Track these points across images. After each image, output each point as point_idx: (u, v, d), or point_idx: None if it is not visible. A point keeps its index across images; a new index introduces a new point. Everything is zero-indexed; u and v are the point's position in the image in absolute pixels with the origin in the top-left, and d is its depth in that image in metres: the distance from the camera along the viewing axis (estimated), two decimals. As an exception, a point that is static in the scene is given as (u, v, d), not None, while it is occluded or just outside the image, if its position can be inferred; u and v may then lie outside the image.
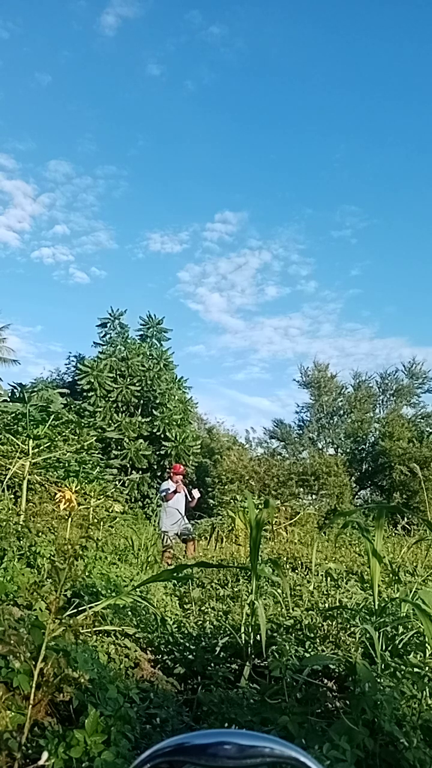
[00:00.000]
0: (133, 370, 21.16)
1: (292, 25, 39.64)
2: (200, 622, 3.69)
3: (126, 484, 17.83)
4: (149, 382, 21.16)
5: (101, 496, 7.57)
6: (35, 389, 12.44)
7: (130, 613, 3.72)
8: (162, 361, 22.22)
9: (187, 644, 3.36)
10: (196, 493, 8.98)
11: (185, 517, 8.57)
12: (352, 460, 26.83)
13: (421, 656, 2.74)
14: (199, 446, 21.90)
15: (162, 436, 20.46)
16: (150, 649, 3.49)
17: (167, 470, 17.44)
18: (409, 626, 3.01)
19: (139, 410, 21.19)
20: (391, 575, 4.21)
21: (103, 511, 7.51)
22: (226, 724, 2.41)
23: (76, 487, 6.29)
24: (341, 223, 42.71)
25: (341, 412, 29.04)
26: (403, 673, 2.54)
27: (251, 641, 3.13)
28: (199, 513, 11.54)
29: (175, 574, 3.56)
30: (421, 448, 23.54)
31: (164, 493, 8.78)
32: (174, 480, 8.81)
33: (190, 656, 3.24)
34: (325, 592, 4.12)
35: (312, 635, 3.21)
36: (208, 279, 43.00)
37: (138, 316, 24.46)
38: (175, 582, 4.87)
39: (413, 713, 2.22)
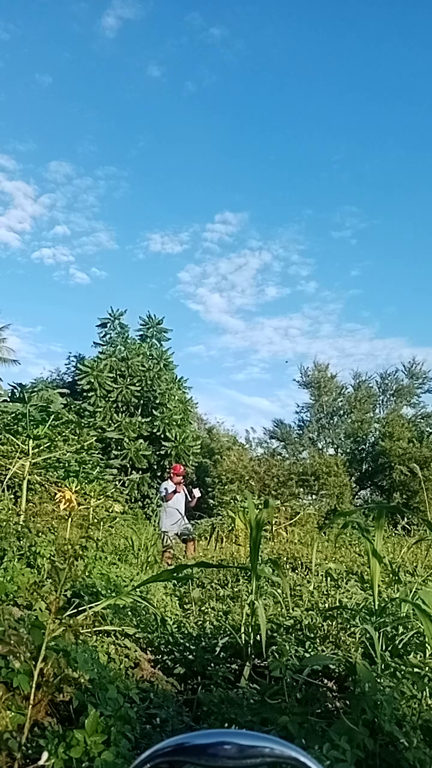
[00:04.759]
0: (133, 370, 21.15)
1: (292, 26, 39.65)
2: (200, 622, 3.69)
3: (126, 484, 17.82)
4: (149, 382, 21.15)
5: (101, 496, 7.57)
6: (35, 389, 12.46)
7: (130, 613, 3.72)
8: (162, 361, 22.20)
9: (187, 644, 3.36)
10: (197, 492, 8.97)
11: (185, 517, 8.57)
12: (352, 460, 26.82)
13: (421, 656, 2.74)
14: (199, 446, 21.89)
15: (162, 436, 20.45)
16: (150, 649, 3.49)
17: (167, 470, 17.45)
18: (409, 626, 3.01)
19: (139, 410, 21.18)
20: (391, 575, 4.21)
21: (103, 511, 7.51)
22: (226, 724, 2.41)
23: (76, 487, 6.29)
24: (341, 223, 42.72)
25: (341, 412, 29.02)
26: (403, 673, 2.54)
27: (251, 641, 3.12)
28: (199, 513, 11.54)
29: (175, 574, 3.56)
30: (421, 448, 23.53)
31: (164, 494, 8.77)
32: (174, 481, 8.81)
33: (190, 656, 3.24)
34: (325, 592, 4.12)
35: (312, 635, 3.21)
36: (209, 279, 43.02)
37: (138, 316, 24.49)
38: (175, 582, 4.87)
39: (413, 713, 2.22)
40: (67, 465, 7.50)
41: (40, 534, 4.50)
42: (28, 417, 6.28)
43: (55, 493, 6.11)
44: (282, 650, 2.74)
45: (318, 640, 3.16)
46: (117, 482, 13.10)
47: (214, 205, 49.15)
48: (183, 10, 42.64)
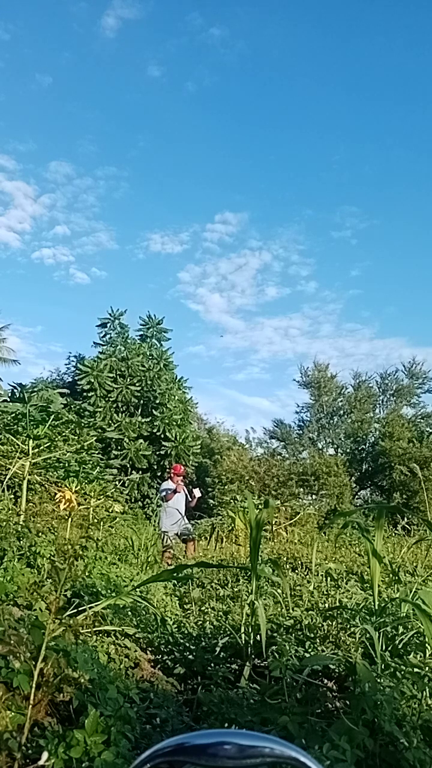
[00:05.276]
0: (133, 370, 21.14)
1: (292, 26, 39.67)
2: (200, 622, 3.69)
3: (126, 484, 17.82)
4: (149, 382, 21.14)
5: (101, 496, 7.56)
6: (35, 389, 12.44)
7: (130, 613, 3.72)
8: (162, 361, 22.20)
9: (187, 644, 3.36)
10: (197, 492, 8.97)
11: (185, 517, 8.57)
12: (352, 460, 26.82)
13: (421, 656, 2.74)
14: (199, 446, 21.88)
15: (162, 436, 20.45)
16: (150, 649, 3.48)
17: (167, 470, 17.44)
18: (409, 626, 3.01)
19: (139, 410, 21.17)
20: (391, 575, 4.21)
21: (103, 511, 7.51)
22: (226, 724, 2.41)
23: (76, 487, 6.29)
24: (341, 223, 42.73)
25: (341, 412, 29.02)
26: (403, 673, 2.54)
27: (251, 641, 3.12)
28: (199, 513, 11.54)
29: (175, 574, 3.56)
30: (421, 448, 23.52)
31: (164, 493, 8.77)
32: (174, 481, 8.81)
33: (190, 656, 3.24)
34: (325, 592, 4.12)
35: (312, 635, 3.21)
36: (209, 279, 43.05)
37: (138, 316, 24.50)
38: (175, 582, 4.87)
39: (413, 713, 2.22)
40: (67, 465, 7.50)
41: (40, 534, 4.50)
42: (28, 417, 6.27)
43: (55, 493, 6.11)
44: (282, 650, 2.74)
45: (318, 640, 3.16)
46: (117, 482, 13.10)
47: (214, 205, 49.22)
48: (183, 10, 42.75)
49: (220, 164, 43.78)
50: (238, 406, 47.28)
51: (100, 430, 18.40)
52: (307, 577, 4.77)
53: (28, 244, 41.70)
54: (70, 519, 5.39)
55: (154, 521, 10.80)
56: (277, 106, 42.05)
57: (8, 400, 8.04)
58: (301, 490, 23.90)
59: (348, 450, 28.03)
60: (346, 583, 4.39)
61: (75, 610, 2.99)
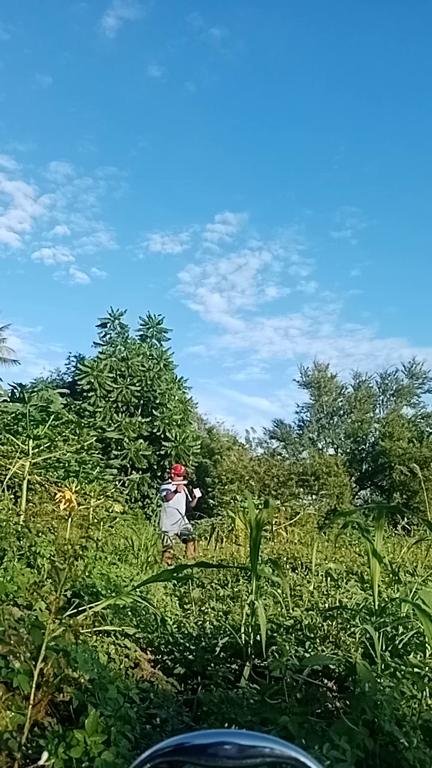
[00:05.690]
0: (133, 370, 21.14)
1: (292, 26, 39.73)
2: (200, 622, 3.69)
3: (126, 484, 17.81)
4: (149, 382, 21.15)
5: (101, 496, 7.56)
6: (35, 389, 12.43)
7: (130, 613, 3.72)
8: (162, 361, 22.20)
9: (187, 644, 3.36)
10: (197, 492, 8.98)
11: (185, 518, 8.57)
12: (352, 460, 26.82)
13: (421, 656, 2.74)
14: (199, 446, 21.89)
15: (162, 436, 20.45)
16: (150, 649, 3.48)
17: (167, 470, 17.45)
18: (409, 626, 3.01)
19: (139, 410, 21.17)
20: (391, 575, 4.21)
21: (103, 511, 7.51)
22: (226, 724, 2.40)
23: (76, 487, 6.29)
24: (341, 223, 42.80)
25: (341, 412, 29.03)
26: (403, 673, 2.54)
27: (251, 641, 3.12)
28: (199, 513, 11.54)
29: (175, 574, 3.56)
30: (421, 448, 23.53)
31: (164, 493, 8.77)
32: (174, 481, 8.81)
33: (190, 656, 3.23)
34: (325, 592, 4.12)
35: (312, 635, 3.21)
36: (209, 279, 43.11)
37: (138, 316, 24.50)
38: (175, 582, 4.87)
39: (413, 713, 2.22)
40: (67, 465, 7.50)
41: (40, 534, 4.49)
42: (28, 417, 6.27)
43: (55, 493, 6.11)
44: (282, 650, 2.74)
45: (318, 640, 3.16)
46: (117, 482, 13.09)
47: (214, 205, 49.27)
48: (183, 10, 42.86)
49: (220, 164, 43.87)
50: (238, 406, 47.35)
51: (100, 430, 18.41)
52: (307, 577, 4.77)
53: (28, 244, 41.81)
54: (70, 519, 5.38)
55: (154, 521, 10.80)
56: (276, 106, 42.16)
57: (8, 400, 8.04)
58: (301, 490, 23.90)
59: (348, 450, 28.03)
60: (346, 583, 4.39)
61: (75, 610, 2.99)
